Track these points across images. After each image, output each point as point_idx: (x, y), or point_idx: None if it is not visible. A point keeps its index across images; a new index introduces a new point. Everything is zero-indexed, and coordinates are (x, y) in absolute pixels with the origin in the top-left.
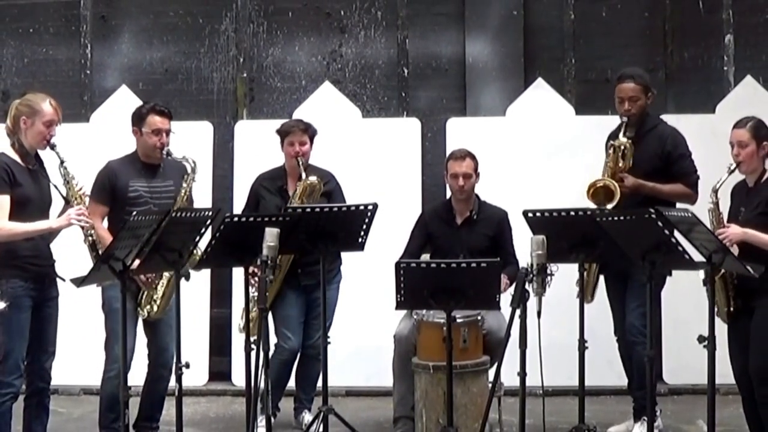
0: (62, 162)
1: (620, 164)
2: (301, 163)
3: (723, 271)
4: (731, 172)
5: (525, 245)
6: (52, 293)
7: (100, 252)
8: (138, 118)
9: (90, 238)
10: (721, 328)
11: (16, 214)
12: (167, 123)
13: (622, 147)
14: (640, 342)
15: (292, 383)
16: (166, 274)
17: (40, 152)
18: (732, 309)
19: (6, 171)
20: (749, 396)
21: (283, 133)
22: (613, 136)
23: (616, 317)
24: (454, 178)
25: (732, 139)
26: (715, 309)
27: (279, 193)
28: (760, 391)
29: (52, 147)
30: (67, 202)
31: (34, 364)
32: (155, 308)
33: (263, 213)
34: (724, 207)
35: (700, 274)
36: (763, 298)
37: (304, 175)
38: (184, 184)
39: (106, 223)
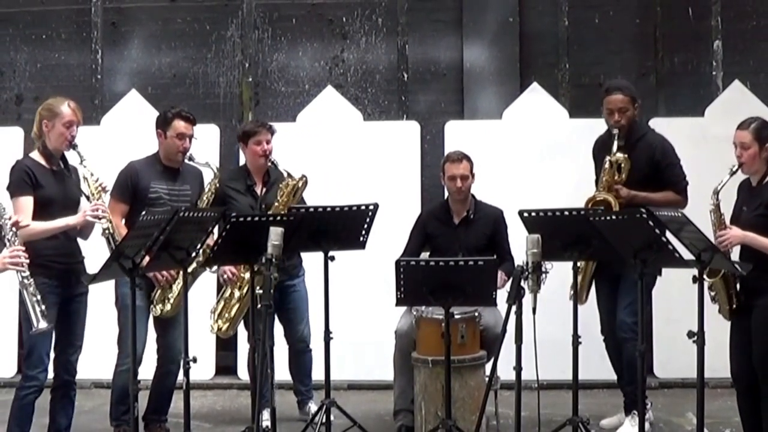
0: (82, 160)
1: (616, 178)
2: (273, 161)
3: (723, 270)
4: (733, 173)
5: (520, 244)
6: (79, 289)
7: (114, 246)
8: (163, 122)
9: (107, 231)
10: (710, 324)
11: (39, 214)
12: (191, 128)
13: (619, 162)
14: (630, 338)
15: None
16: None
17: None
18: (735, 307)
19: (27, 173)
20: (745, 390)
21: (248, 134)
22: (602, 143)
23: (603, 317)
24: (452, 180)
25: (735, 140)
26: (717, 307)
27: (249, 193)
28: (765, 386)
29: (74, 147)
30: (88, 199)
31: (60, 358)
32: (168, 307)
33: (265, 213)
34: (726, 208)
35: (694, 271)
36: (761, 297)
37: (285, 174)
38: (207, 188)
39: (123, 221)
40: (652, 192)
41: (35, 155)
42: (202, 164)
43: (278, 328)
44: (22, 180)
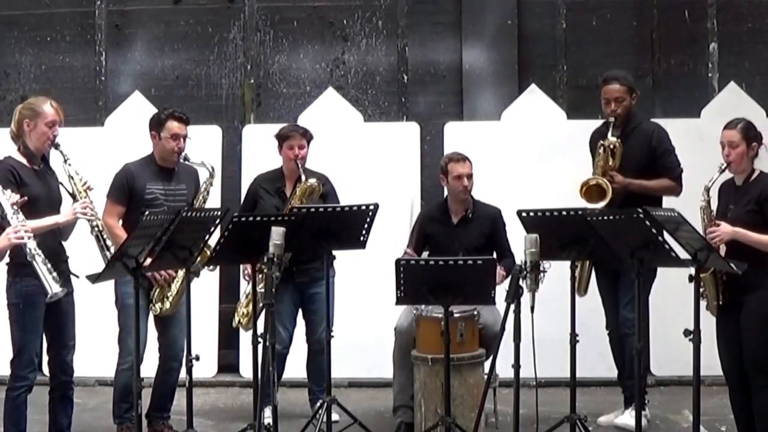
0: (66, 160)
1: (610, 163)
2: (300, 165)
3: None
4: (722, 171)
5: (519, 243)
6: (66, 289)
7: (107, 242)
8: (157, 123)
9: (96, 229)
10: (706, 323)
11: (25, 213)
12: (184, 128)
13: (612, 147)
14: (632, 334)
15: (298, 375)
16: (180, 273)
17: (47, 153)
18: (720, 303)
19: (11, 172)
20: (736, 387)
21: (282, 137)
22: (598, 134)
23: (608, 312)
24: (458, 179)
25: (723, 139)
26: (705, 302)
27: (277, 194)
28: (755, 381)
29: (56, 147)
30: (74, 198)
31: (56, 359)
32: (168, 305)
33: (269, 213)
34: (715, 205)
35: (690, 270)
36: (751, 293)
37: (304, 177)
38: (203, 188)
39: (121, 222)
40: (648, 179)
41: (16, 155)
42: (197, 164)
43: (297, 328)
44: (7, 180)
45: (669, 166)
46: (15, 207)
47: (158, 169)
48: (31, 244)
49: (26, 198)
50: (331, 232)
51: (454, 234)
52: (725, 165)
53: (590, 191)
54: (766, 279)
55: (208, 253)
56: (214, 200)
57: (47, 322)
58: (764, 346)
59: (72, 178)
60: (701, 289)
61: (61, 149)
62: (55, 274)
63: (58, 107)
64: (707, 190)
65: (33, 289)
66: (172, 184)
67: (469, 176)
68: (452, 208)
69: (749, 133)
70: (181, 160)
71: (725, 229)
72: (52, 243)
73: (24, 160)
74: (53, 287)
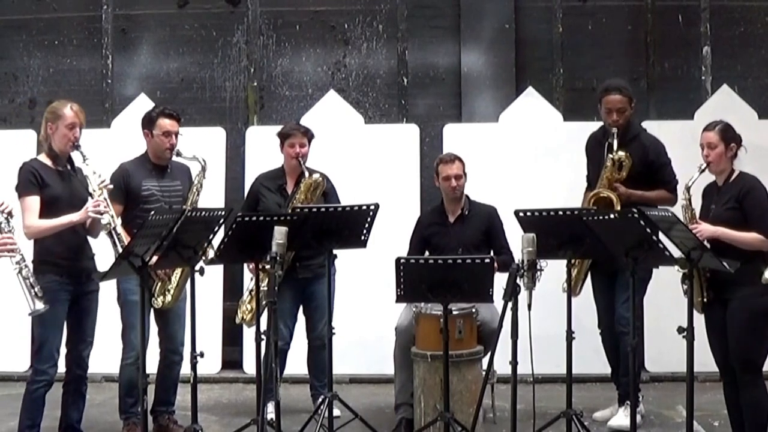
0: (84, 159)
1: (617, 175)
2: (302, 162)
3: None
4: (702, 171)
5: (516, 242)
6: (90, 287)
7: (116, 240)
8: (148, 122)
9: (108, 226)
10: (700, 320)
11: (47, 212)
12: (176, 125)
13: (621, 160)
14: (628, 332)
15: (301, 371)
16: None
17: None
18: (705, 300)
19: (33, 174)
20: (730, 379)
21: (284, 135)
22: (594, 139)
23: (601, 311)
24: (447, 180)
25: (702, 141)
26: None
27: (279, 192)
28: (742, 377)
29: (77, 147)
30: (91, 197)
31: (72, 353)
32: (169, 298)
33: (271, 213)
34: (696, 204)
35: (676, 268)
36: (737, 290)
37: (307, 174)
38: (196, 181)
39: (120, 220)
40: (644, 189)
41: (42, 157)
42: (189, 158)
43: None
44: (29, 180)
45: (666, 179)
46: (6, 217)
47: (153, 166)
48: (16, 259)
49: (30, 222)
50: (332, 231)
51: (452, 232)
52: (704, 165)
53: (599, 202)
54: (749, 276)
55: (211, 251)
56: (218, 200)
57: (68, 316)
58: (750, 343)
59: (88, 177)
60: (685, 287)
61: (81, 150)
62: (37, 288)
63: (79, 110)
64: (687, 189)
65: (54, 285)
66: (166, 181)
67: (458, 177)
68: (448, 208)
69: (727, 134)
70: (174, 156)
71: (706, 227)
72: (76, 241)
73: (49, 162)
74: (36, 304)
